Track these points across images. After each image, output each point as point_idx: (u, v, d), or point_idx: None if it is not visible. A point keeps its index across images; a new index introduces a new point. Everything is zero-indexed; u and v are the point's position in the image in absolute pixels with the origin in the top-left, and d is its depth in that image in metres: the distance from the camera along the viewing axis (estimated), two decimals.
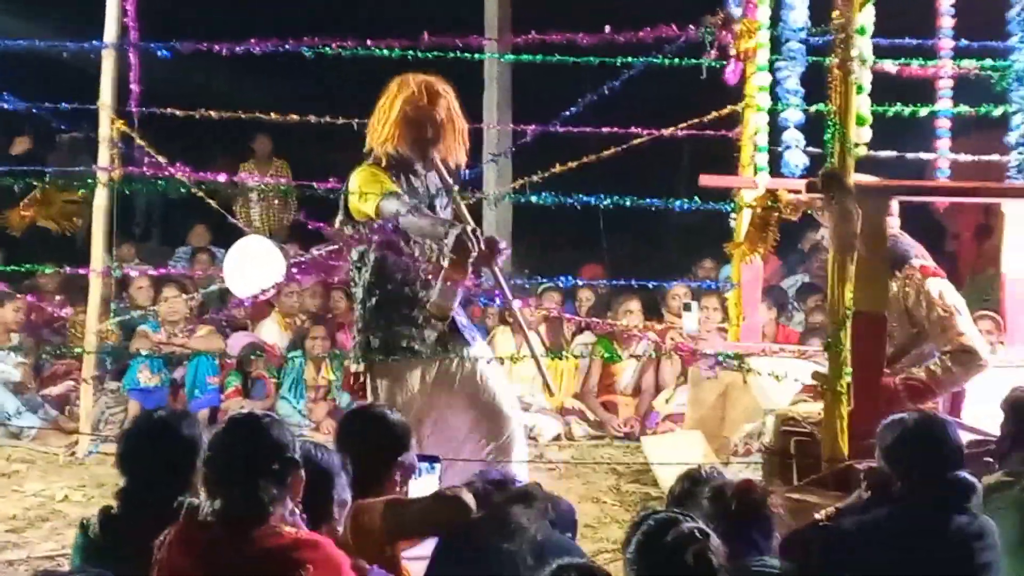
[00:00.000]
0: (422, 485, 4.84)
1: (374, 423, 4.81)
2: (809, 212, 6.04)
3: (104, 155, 8.50)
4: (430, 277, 5.76)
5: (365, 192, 5.71)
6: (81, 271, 8.65)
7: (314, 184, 7.00)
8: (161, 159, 8.23)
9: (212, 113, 8.26)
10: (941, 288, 6.13)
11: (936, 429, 4.56)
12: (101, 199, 8.55)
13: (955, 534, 4.37)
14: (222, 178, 8.07)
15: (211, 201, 8.49)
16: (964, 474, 4.49)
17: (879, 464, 4.63)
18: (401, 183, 5.83)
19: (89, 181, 8.40)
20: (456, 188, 6.09)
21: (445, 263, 5.61)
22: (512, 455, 5.92)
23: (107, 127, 8.49)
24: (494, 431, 5.92)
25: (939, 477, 4.45)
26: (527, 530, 4.20)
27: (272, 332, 10.45)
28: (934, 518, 4.40)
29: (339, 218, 5.99)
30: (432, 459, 5.05)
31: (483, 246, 5.57)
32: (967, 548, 4.35)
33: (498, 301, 6.70)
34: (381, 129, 5.88)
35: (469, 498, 4.40)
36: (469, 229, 5.46)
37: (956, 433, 4.61)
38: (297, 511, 3.82)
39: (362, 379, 5.95)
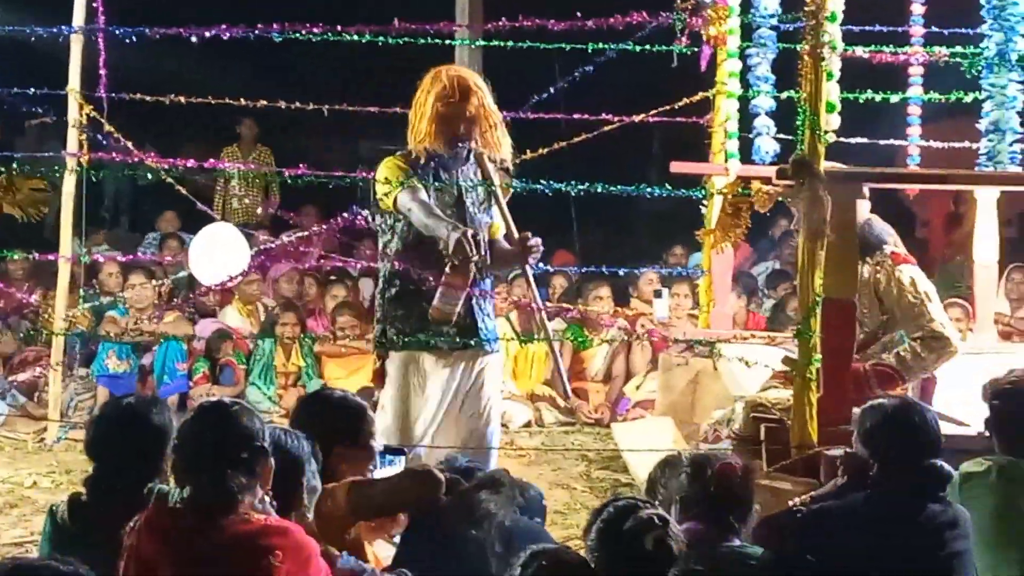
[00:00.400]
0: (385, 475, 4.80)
1: (329, 407, 4.76)
2: (780, 200, 6.04)
3: (73, 141, 8.44)
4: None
5: (388, 183, 5.78)
6: (50, 257, 8.60)
7: (283, 171, 6.98)
8: (130, 145, 8.19)
9: (181, 99, 8.22)
10: (912, 275, 6.13)
11: (915, 416, 4.57)
12: (70, 185, 8.50)
13: (929, 521, 4.39)
14: (191, 164, 8.03)
15: (180, 188, 8.45)
16: (940, 462, 4.51)
17: (856, 448, 4.64)
18: (429, 177, 5.88)
19: (57, 167, 8.33)
20: (506, 183, 6.14)
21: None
22: None
23: (76, 112, 8.43)
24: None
25: (915, 464, 4.46)
26: (495, 516, 4.20)
27: (233, 319, 10.43)
28: (909, 505, 4.42)
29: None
30: (397, 451, 5.01)
31: (517, 244, 5.86)
32: (940, 536, 4.38)
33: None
34: (418, 126, 5.95)
35: (439, 473, 4.38)
36: (470, 234, 5.47)
37: (934, 420, 4.63)
38: (267, 498, 3.81)
39: (378, 366, 5.99)
